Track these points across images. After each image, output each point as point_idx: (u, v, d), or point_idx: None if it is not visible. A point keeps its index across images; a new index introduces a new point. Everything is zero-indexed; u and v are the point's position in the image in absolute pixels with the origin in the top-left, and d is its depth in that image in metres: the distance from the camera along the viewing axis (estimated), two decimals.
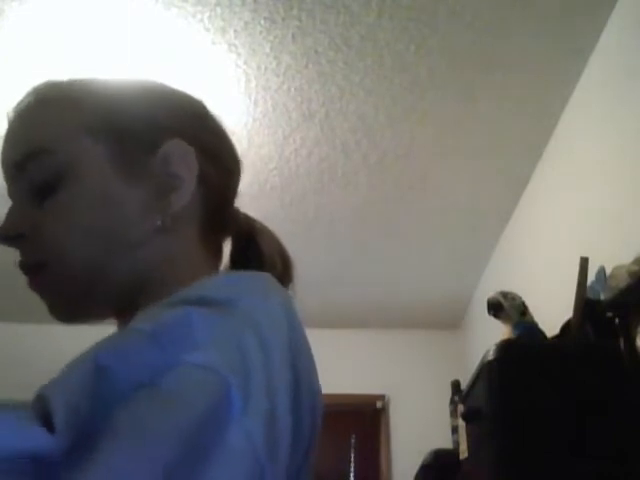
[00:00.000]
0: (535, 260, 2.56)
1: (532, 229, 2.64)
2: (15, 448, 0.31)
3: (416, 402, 3.78)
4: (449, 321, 3.97)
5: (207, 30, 1.98)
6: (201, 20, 1.94)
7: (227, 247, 0.66)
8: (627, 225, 1.74)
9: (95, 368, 0.36)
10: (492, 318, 1.63)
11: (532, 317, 1.60)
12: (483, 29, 1.96)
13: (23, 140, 0.57)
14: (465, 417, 1.45)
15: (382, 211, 2.90)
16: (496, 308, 1.61)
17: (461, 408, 1.59)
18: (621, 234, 1.76)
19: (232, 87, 2.20)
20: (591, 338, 1.41)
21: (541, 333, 1.57)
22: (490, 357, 1.30)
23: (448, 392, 2.38)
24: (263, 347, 0.42)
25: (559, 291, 1.72)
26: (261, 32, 1.99)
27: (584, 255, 1.50)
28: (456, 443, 1.93)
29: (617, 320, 1.36)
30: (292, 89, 2.22)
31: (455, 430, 2.14)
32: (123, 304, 0.56)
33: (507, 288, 1.70)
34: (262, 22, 1.95)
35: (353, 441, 3.78)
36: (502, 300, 1.60)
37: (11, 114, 0.59)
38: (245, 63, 2.11)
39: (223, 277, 0.54)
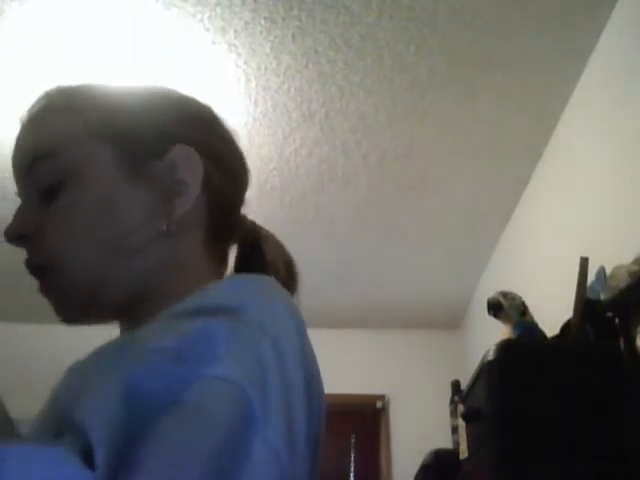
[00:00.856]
0: (535, 260, 2.56)
1: (532, 229, 2.64)
2: None
3: (416, 402, 3.78)
4: (449, 321, 3.97)
5: (207, 30, 1.98)
6: (201, 20, 1.94)
7: (233, 253, 0.66)
8: (627, 225, 1.74)
9: (128, 395, 0.36)
10: (492, 318, 1.63)
11: (532, 317, 1.60)
12: (483, 29, 1.96)
13: (31, 144, 0.58)
14: (465, 417, 1.45)
15: (382, 211, 2.90)
16: (496, 308, 1.61)
17: (461, 408, 1.59)
18: (621, 234, 1.76)
19: (232, 87, 2.20)
20: (591, 338, 1.41)
21: (541, 333, 1.57)
22: (490, 357, 1.30)
23: (448, 392, 2.38)
24: (278, 355, 0.42)
25: (559, 291, 1.72)
26: (261, 32, 1.99)
27: (584, 255, 1.50)
28: (456, 443, 1.93)
29: (617, 320, 1.36)
30: (292, 89, 2.22)
31: (455, 430, 2.14)
32: (128, 307, 0.57)
33: (507, 288, 1.70)
34: (262, 22, 1.95)
35: (353, 441, 3.79)
36: (502, 300, 1.60)
37: (23, 118, 0.60)
38: (245, 63, 2.11)
39: (228, 282, 0.54)
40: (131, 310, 0.56)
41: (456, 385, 2.33)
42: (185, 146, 0.58)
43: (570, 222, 2.19)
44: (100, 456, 0.33)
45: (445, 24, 1.94)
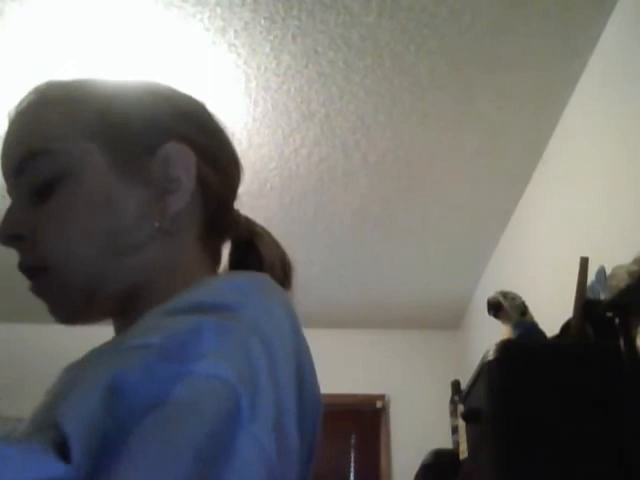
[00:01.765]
0: (535, 260, 2.56)
1: (532, 229, 2.64)
2: (33, 477, 0.31)
3: (416, 402, 3.78)
4: (449, 321, 3.97)
5: (207, 30, 1.98)
6: (201, 20, 1.94)
7: (226, 250, 0.66)
8: (627, 225, 1.74)
9: (109, 391, 0.36)
10: (492, 318, 1.63)
11: (532, 317, 1.60)
12: (483, 29, 1.96)
13: (23, 141, 0.56)
14: (465, 417, 1.45)
15: (382, 211, 2.90)
16: (496, 308, 1.61)
17: (461, 408, 1.59)
18: (621, 234, 1.76)
19: (232, 87, 2.20)
20: (591, 338, 1.41)
21: (541, 333, 1.57)
22: (490, 357, 1.30)
23: (448, 392, 2.38)
24: (269, 353, 0.42)
25: (559, 291, 1.72)
26: (261, 32, 1.99)
27: (584, 255, 1.50)
28: (456, 443, 1.93)
29: (617, 320, 1.36)
30: (292, 89, 2.22)
31: (455, 430, 2.14)
32: (123, 306, 0.56)
33: (507, 288, 1.70)
34: (262, 22, 1.95)
35: (353, 441, 3.78)
36: (502, 300, 1.60)
37: (12, 114, 0.59)
38: (245, 63, 2.11)
39: (222, 281, 0.54)
40: (126, 308, 0.56)
41: (456, 385, 2.33)
42: (178, 143, 0.57)
43: (570, 222, 2.19)
44: (75, 450, 0.32)
45: (445, 24, 1.94)
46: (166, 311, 0.43)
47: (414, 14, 1.91)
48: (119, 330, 0.58)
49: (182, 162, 0.57)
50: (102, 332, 0.64)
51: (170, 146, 0.57)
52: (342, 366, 3.75)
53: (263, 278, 0.51)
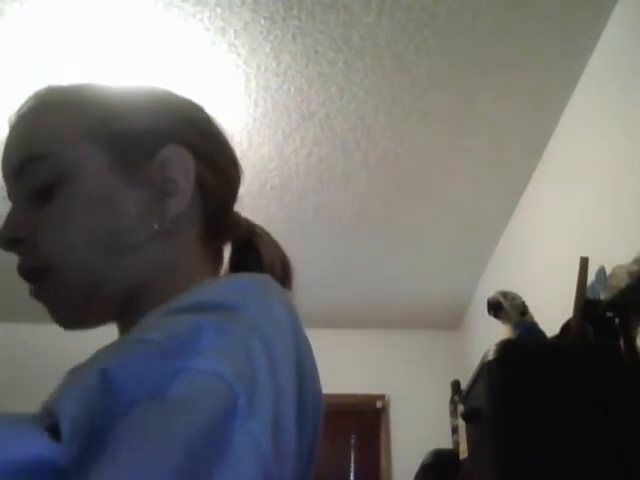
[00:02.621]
0: (535, 260, 2.56)
1: (532, 229, 2.64)
2: (20, 453, 0.31)
3: (416, 402, 3.78)
4: (449, 321, 3.96)
5: (207, 30, 1.98)
6: (201, 20, 1.94)
7: (227, 251, 0.66)
8: (627, 225, 1.74)
9: (102, 380, 0.36)
10: (492, 318, 1.63)
11: (532, 317, 1.60)
12: (483, 29, 1.96)
13: (23, 144, 0.57)
14: (465, 417, 1.45)
15: (382, 211, 2.90)
16: (496, 308, 1.61)
17: (461, 408, 1.59)
18: (621, 234, 1.76)
19: (232, 87, 2.20)
20: (591, 338, 1.41)
21: (541, 333, 1.57)
22: (490, 357, 1.30)
23: (448, 392, 2.38)
24: (268, 352, 0.42)
25: (559, 291, 1.72)
26: (261, 32, 1.99)
27: (584, 255, 1.50)
28: (456, 443, 1.93)
29: (617, 320, 1.36)
30: (292, 89, 2.22)
31: (455, 430, 2.14)
32: (124, 308, 0.56)
33: (507, 288, 1.70)
34: (262, 22, 1.95)
35: (353, 441, 3.78)
36: (502, 300, 1.60)
37: (12, 118, 0.59)
38: (245, 63, 2.11)
39: (224, 281, 0.54)
40: (128, 310, 0.56)
41: (456, 385, 2.33)
42: (176, 145, 0.58)
43: (570, 222, 2.19)
44: (65, 430, 0.32)
45: (445, 24, 1.94)
46: (167, 311, 0.43)
47: (414, 14, 1.91)
48: (122, 334, 0.58)
49: (180, 165, 0.57)
50: (102, 332, 0.64)
51: (169, 149, 0.57)
52: (342, 366, 3.75)
53: (264, 278, 0.51)
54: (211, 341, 0.40)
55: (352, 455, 3.74)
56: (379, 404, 3.84)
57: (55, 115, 0.57)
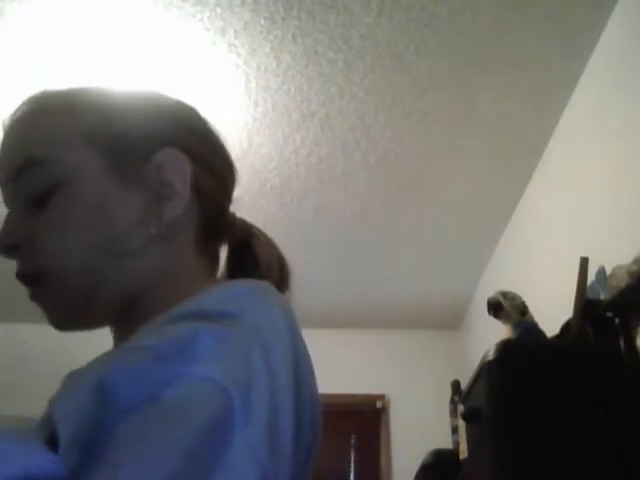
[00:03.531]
0: (535, 260, 2.56)
1: (532, 229, 2.64)
2: (20, 468, 0.31)
3: (416, 402, 3.78)
4: (449, 321, 3.96)
5: (207, 30, 1.98)
6: (201, 20, 1.94)
7: (224, 253, 0.66)
8: (627, 225, 1.74)
9: (100, 388, 0.36)
10: (492, 318, 1.63)
11: (532, 317, 1.60)
12: (483, 29, 1.96)
13: (19, 149, 0.56)
14: (465, 417, 1.45)
15: (382, 211, 2.90)
16: (496, 308, 1.61)
17: (461, 408, 1.59)
18: (621, 234, 1.76)
19: (232, 87, 2.20)
20: (591, 338, 1.41)
21: (541, 333, 1.57)
22: (490, 357, 1.30)
23: (448, 392, 2.37)
24: (267, 355, 0.43)
25: (559, 291, 1.72)
26: (261, 32, 1.99)
27: (584, 255, 1.50)
28: (456, 443, 1.93)
29: (617, 320, 1.36)
30: (292, 89, 2.22)
31: (455, 430, 2.14)
32: (121, 312, 0.56)
33: (507, 288, 1.70)
34: (262, 22, 1.95)
35: (353, 441, 3.78)
36: (502, 300, 1.60)
37: (7, 123, 0.59)
38: (245, 63, 2.11)
39: (223, 288, 0.54)
40: (126, 315, 0.56)
41: (456, 385, 2.33)
42: (172, 149, 0.58)
43: (570, 222, 2.19)
44: (64, 441, 0.33)
45: (445, 24, 1.94)
46: (169, 318, 0.44)
47: (414, 14, 1.91)
48: (118, 339, 0.58)
49: (176, 168, 0.57)
50: (102, 332, 0.64)
51: (165, 153, 0.57)
52: (342, 366, 3.75)
53: (262, 284, 0.52)
54: (209, 348, 0.40)
55: (352, 455, 3.74)
56: (379, 404, 3.84)
57: (51, 120, 0.57)
